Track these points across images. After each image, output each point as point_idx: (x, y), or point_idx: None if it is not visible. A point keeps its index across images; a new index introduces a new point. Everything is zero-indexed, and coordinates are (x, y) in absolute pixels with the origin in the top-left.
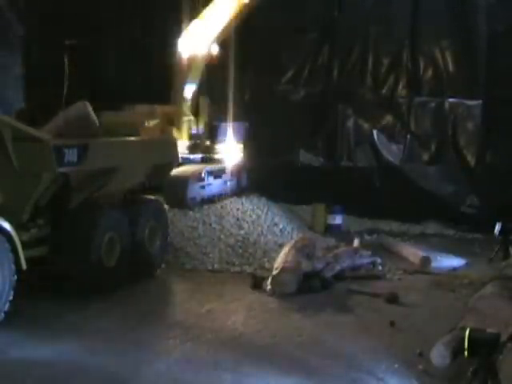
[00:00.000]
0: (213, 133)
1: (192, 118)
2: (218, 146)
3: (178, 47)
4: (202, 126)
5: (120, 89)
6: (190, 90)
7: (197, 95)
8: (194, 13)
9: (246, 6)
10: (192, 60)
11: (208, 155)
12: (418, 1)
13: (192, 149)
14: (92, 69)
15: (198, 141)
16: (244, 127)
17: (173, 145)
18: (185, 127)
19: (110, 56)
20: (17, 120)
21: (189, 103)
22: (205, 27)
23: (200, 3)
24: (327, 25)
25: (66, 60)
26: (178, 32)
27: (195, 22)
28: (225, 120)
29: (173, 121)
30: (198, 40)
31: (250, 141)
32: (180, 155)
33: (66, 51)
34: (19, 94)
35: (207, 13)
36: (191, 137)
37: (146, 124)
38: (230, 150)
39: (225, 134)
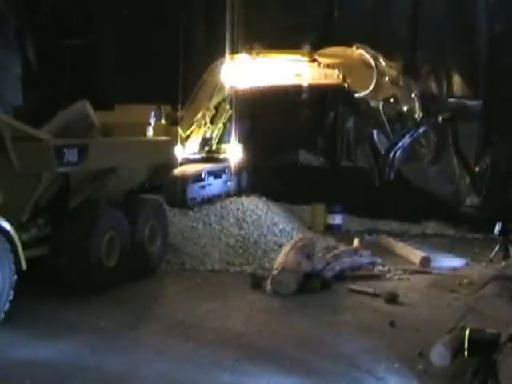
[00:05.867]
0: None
1: (210, 125)
2: (223, 146)
3: (217, 69)
4: (216, 131)
5: (120, 88)
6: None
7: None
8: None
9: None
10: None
11: (211, 155)
12: (418, 0)
13: (200, 151)
14: (92, 68)
15: (208, 143)
16: (244, 127)
17: (173, 145)
18: (201, 133)
19: (111, 55)
20: (15, 117)
21: (212, 112)
22: (256, 69)
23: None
24: (327, 25)
25: (65, 60)
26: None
27: (245, 57)
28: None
29: (177, 121)
30: (242, 77)
31: (250, 141)
32: (180, 155)
33: (66, 51)
34: (18, 93)
35: (264, 58)
36: (203, 140)
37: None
38: (232, 150)
39: (229, 134)
